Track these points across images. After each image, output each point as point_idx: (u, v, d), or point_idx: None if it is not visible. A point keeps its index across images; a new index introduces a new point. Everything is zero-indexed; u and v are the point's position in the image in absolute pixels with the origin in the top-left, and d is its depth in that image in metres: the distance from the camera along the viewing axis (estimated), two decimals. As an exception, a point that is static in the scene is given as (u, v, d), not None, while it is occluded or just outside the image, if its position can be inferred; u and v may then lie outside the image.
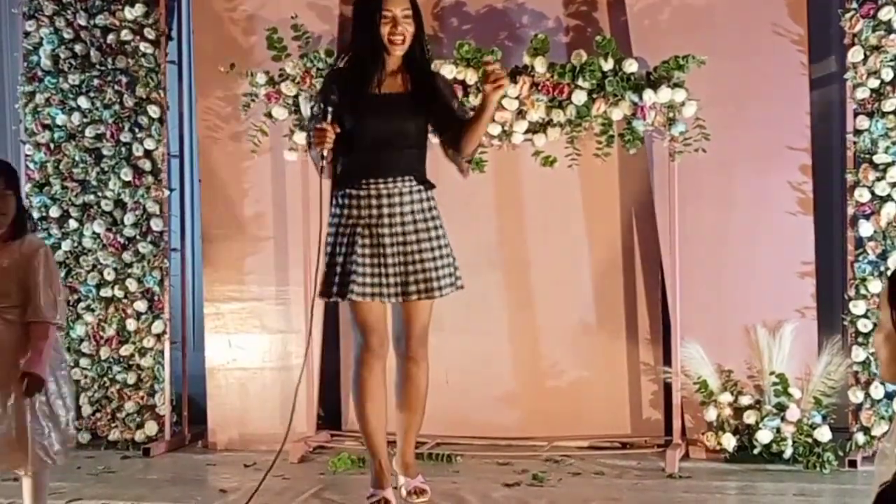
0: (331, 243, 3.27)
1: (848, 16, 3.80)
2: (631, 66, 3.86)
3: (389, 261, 3.23)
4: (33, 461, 2.88)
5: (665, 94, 3.82)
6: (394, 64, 3.28)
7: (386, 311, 3.34)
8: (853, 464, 3.77)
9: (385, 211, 3.23)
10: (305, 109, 4.08)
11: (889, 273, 1.89)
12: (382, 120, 3.24)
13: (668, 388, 4.07)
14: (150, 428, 4.31)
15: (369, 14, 3.24)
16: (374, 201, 3.23)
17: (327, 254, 3.27)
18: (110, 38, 4.34)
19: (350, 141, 3.23)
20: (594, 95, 3.88)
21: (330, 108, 3.20)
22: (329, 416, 4.46)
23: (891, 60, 3.76)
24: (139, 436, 4.31)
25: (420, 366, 3.35)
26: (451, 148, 3.34)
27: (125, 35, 4.32)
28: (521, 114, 3.95)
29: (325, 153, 3.18)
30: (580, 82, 3.87)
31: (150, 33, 4.32)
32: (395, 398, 3.39)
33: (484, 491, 3.61)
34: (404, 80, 3.29)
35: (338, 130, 3.18)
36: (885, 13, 3.76)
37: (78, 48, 4.37)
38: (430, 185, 3.32)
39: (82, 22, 4.36)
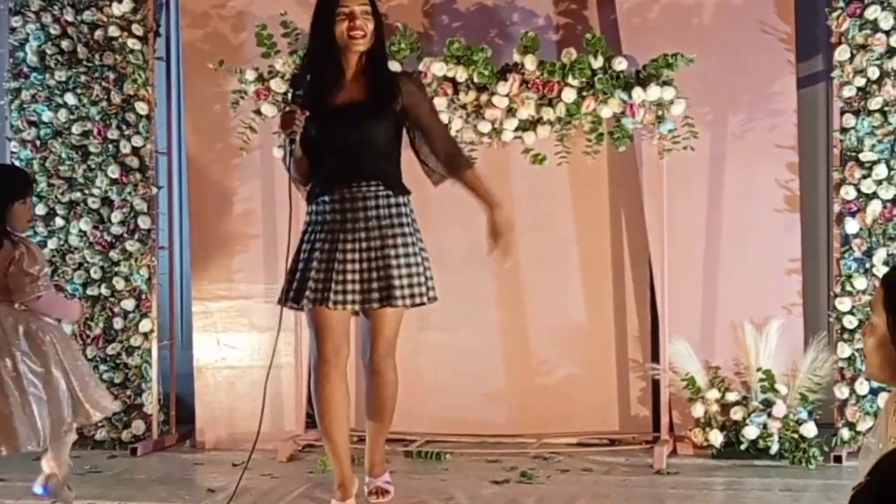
0: (297, 249, 3.22)
1: (835, 14, 3.83)
2: (620, 64, 3.87)
3: (348, 267, 3.10)
4: None
5: (654, 92, 3.84)
6: (353, 67, 3.17)
7: (347, 319, 3.22)
8: (838, 459, 3.81)
9: (349, 216, 3.13)
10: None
11: (882, 275, 1.90)
12: (347, 128, 3.13)
13: (656, 385, 4.09)
14: (138, 427, 4.29)
15: (325, 13, 3.15)
16: (337, 206, 3.14)
17: (292, 260, 3.22)
18: (97, 34, 4.30)
19: (316, 150, 3.16)
20: (584, 93, 3.89)
21: (300, 92, 3.13)
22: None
23: (877, 59, 3.80)
24: (126, 435, 4.28)
25: (386, 378, 3.24)
26: (433, 172, 3.29)
27: (112, 31, 4.29)
28: (511, 111, 3.96)
29: (295, 138, 3.08)
30: (570, 80, 3.88)
31: (137, 29, 4.30)
32: (366, 405, 3.33)
33: (473, 488, 3.61)
34: (365, 84, 3.17)
35: (307, 114, 3.08)
36: (872, 12, 3.79)
37: (65, 44, 4.34)
38: (402, 191, 3.19)
39: (69, 18, 4.32)
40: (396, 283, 3.09)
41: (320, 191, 3.17)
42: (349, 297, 3.10)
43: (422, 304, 3.17)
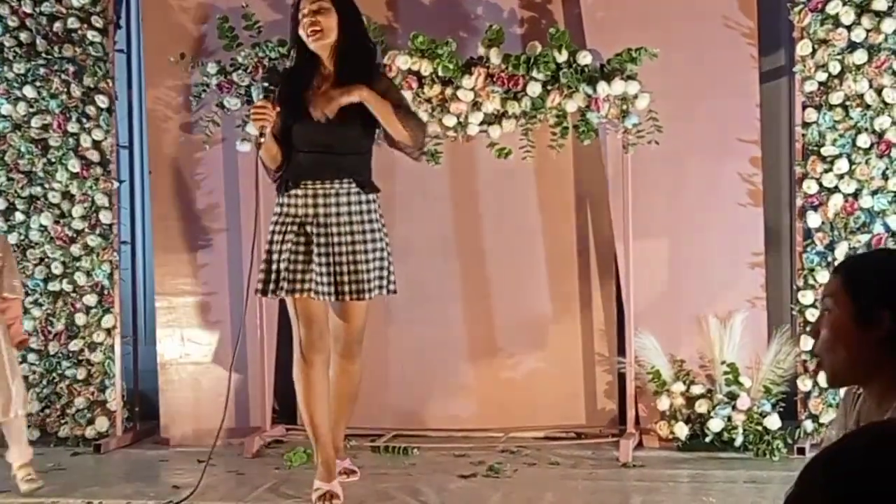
0: (268, 241, 3.35)
1: (797, 9, 3.86)
2: (585, 59, 3.87)
3: (323, 259, 3.27)
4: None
5: (618, 87, 3.84)
6: (328, 63, 3.31)
7: (326, 306, 3.38)
8: (802, 451, 3.85)
9: (321, 210, 3.28)
10: (258, 100, 4.05)
11: (837, 269, 1.76)
12: (319, 127, 3.25)
13: (622, 379, 4.11)
14: (101, 424, 4.25)
15: (294, 17, 3.36)
16: (310, 200, 3.29)
17: (265, 251, 3.36)
18: (56, 26, 4.24)
19: (289, 142, 3.29)
20: (549, 87, 3.89)
21: (273, 88, 3.29)
22: (284, 410, 4.43)
23: (838, 54, 3.83)
24: (90, 432, 4.25)
25: (354, 362, 3.48)
26: (390, 143, 3.42)
27: (72, 23, 4.22)
28: (476, 105, 3.95)
29: (265, 132, 3.21)
30: (535, 74, 3.87)
31: (97, 21, 4.23)
32: (333, 390, 3.49)
33: (440, 483, 3.61)
34: (341, 84, 3.28)
35: (277, 109, 3.22)
36: (833, 7, 3.81)
37: (23, 36, 4.27)
38: (372, 189, 3.36)
39: (27, 9, 4.25)
40: (364, 277, 3.28)
41: (292, 184, 3.31)
42: (323, 287, 3.27)
43: (384, 294, 3.40)
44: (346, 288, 3.27)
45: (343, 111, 3.23)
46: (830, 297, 1.66)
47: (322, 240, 3.28)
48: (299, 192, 3.30)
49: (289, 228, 3.31)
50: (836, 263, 3.84)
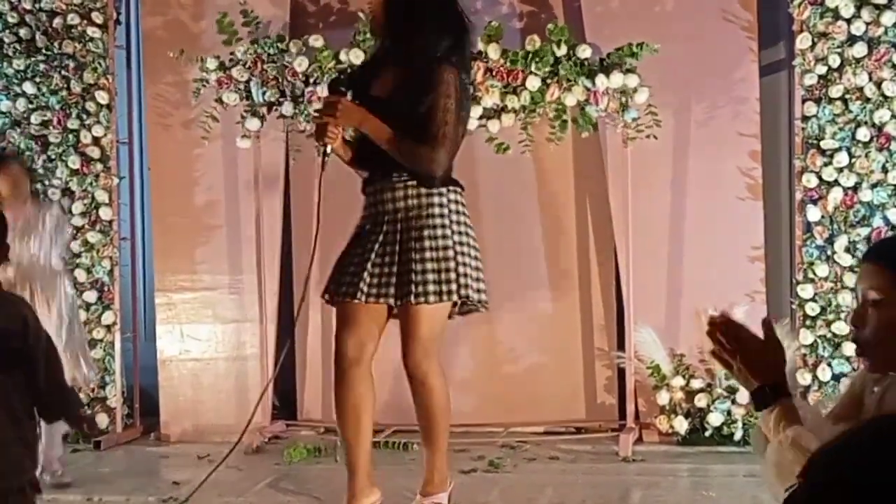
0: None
1: (796, 2, 3.85)
2: (584, 52, 3.87)
3: (375, 260, 2.94)
4: None
5: (617, 80, 3.84)
6: (388, 52, 3.04)
7: (378, 315, 2.98)
8: (802, 445, 3.84)
9: (380, 209, 2.99)
10: (257, 95, 4.06)
11: (874, 256, 1.72)
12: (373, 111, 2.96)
13: (621, 373, 4.10)
14: (101, 420, 4.24)
15: None
16: (372, 198, 3.02)
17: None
18: (56, 21, 4.25)
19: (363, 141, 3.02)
20: (548, 81, 3.88)
21: (338, 99, 2.97)
22: (284, 405, 4.43)
23: (837, 47, 3.82)
24: (90, 428, 4.25)
25: (427, 385, 2.95)
26: None
27: (72, 19, 4.23)
28: (475, 99, 3.94)
29: (328, 150, 2.94)
30: (534, 68, 3.87)
31: (97, 17, 4.24)
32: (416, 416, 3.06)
33: (440, 478, 3.61)
34: (394, 74, 2.99)
35: (341, 128, 2.96)
36: (832, 0, 3.81)
37: (23, 32, 4.28)
38: (435, 183, 2.97)
39: (27, 5, 4.26)
40: (418, 278, 2.89)
41: (364, 182, 3.06)
42: (373, 290, 2.92)
43: (452, 301, 2.94)
44: (393, 290, 2.90)
45: (388, 107, 2.94)
46: (876, 289, 1.63)
47: (378, 238, 2.95)
48: (369, 189, 3.04)
49: (358, 230, 3.03)
50: (835, 257, 3.83)
